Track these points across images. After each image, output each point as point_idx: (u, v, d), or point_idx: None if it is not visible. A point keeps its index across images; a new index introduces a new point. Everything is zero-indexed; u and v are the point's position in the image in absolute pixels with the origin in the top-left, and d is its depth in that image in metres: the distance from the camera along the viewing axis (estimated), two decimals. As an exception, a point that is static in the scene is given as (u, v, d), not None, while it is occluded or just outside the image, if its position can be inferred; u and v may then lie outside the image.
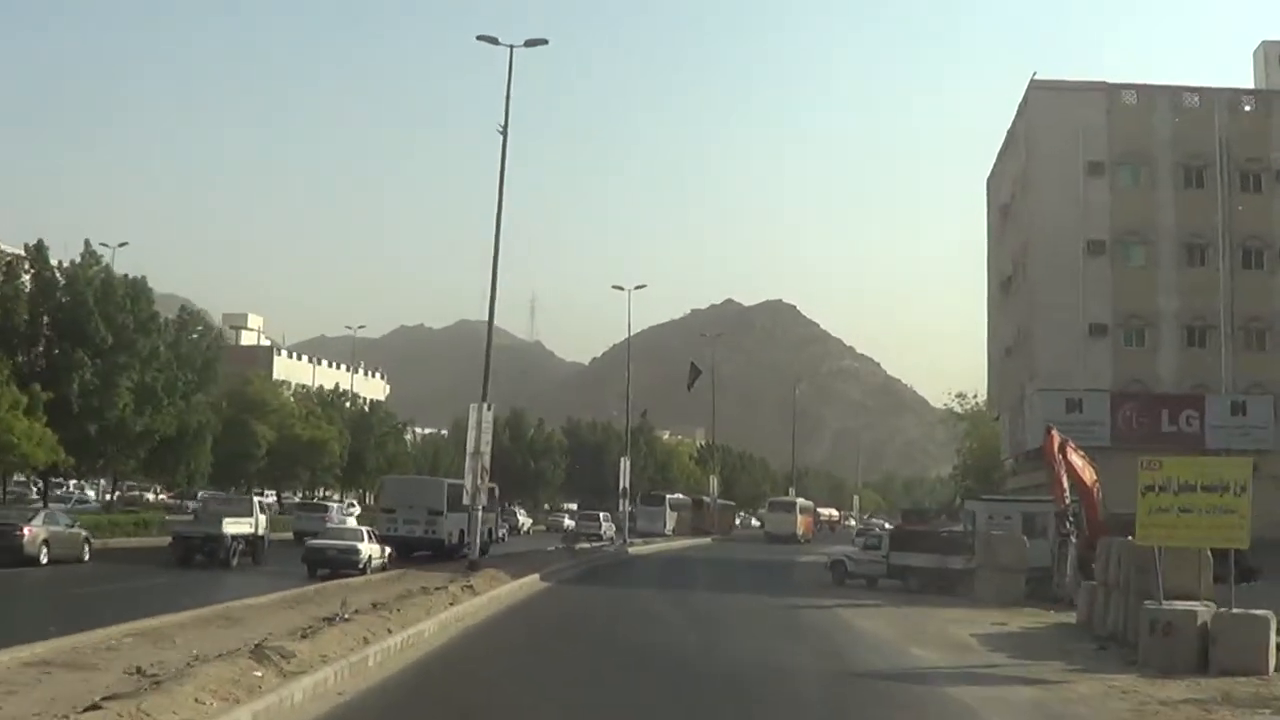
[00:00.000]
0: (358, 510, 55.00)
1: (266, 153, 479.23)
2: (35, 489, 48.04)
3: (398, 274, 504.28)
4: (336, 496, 66.76)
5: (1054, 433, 32.03)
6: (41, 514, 32.14)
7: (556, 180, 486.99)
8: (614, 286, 63.91)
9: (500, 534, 48.84)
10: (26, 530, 29.34)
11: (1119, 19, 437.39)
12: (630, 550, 53.79)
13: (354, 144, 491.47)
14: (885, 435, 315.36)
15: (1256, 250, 48.49)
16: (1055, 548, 32.05)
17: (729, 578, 39.29)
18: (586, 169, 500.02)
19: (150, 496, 61.00)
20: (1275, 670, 17.36)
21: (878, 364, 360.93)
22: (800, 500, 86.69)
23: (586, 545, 50.87)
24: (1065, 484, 31.82)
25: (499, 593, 26.83)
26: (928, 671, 17.65)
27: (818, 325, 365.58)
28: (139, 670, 12.49)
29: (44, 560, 29.48)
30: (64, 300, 40.08)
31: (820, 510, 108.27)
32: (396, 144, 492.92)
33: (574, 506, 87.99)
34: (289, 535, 42.27)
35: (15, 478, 46.08)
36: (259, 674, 12.62)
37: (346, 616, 18.66)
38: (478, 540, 33.83)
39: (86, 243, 41.81)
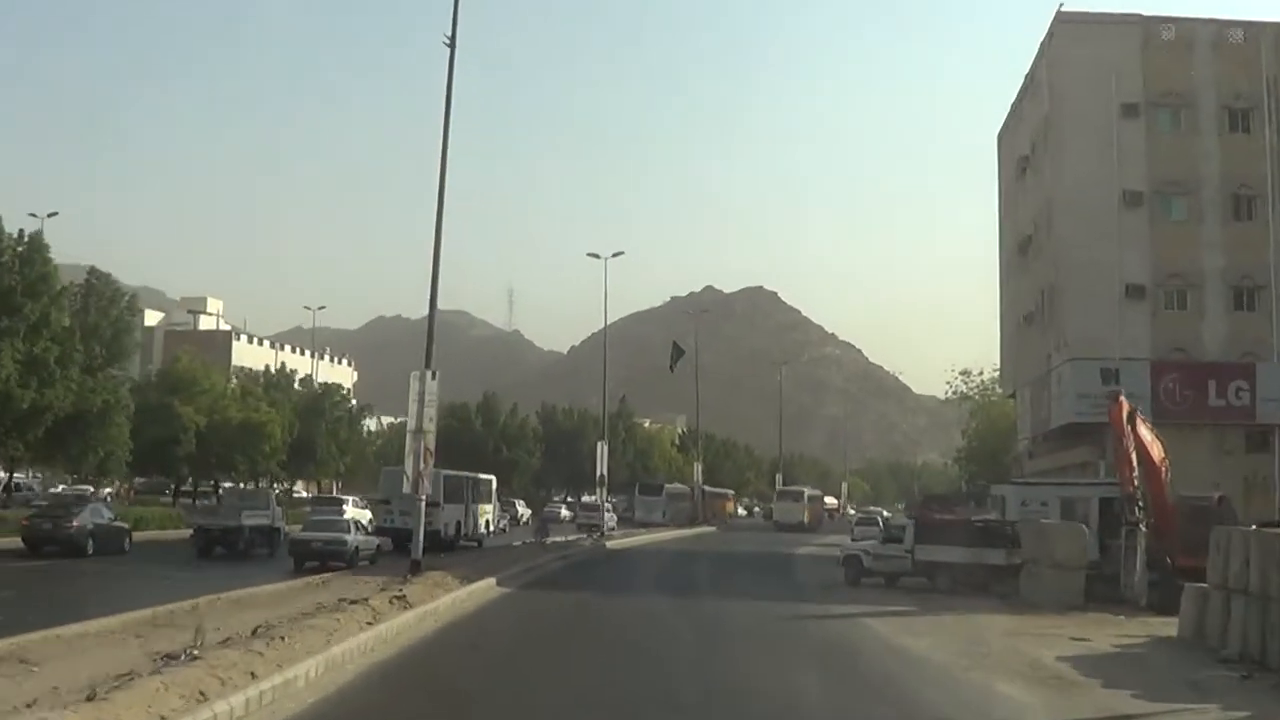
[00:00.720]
0: (357, 503, 48.49)
1: (246, 141, 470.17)
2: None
3: (374, 265, 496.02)
4: (286, 486, 60.70)
5: (1123, 399, 26.46)
6: (88, 508, 33.49)
7: (533, 168, 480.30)
8: (589, 254, 58.64)
9: (502, 525, 48.60)
10: (75, 523, 31.20)
11: None
12: (609, 545, 48.06)
13: (331, 135, 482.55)
14: (868, 422, 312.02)
15: (1311, 202, 42.94)
16: (1123, 539, 26.43)
17: (725, 577, 33.42)
18: (563, 156, 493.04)
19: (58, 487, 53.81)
20: None
21: (859, 350, 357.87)
22: (808, 490, 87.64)
23: (560, 539, 45.59)
24: (1134, 461, 26.30)
25: (437, 605, 21.01)
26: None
27: (799, 312, 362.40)
28: None
29: (90, 551, 31.02)
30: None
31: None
32: (373, 135, 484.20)
33: (570, 498, 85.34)
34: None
35: None
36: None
37: (195, 654, 13.02)
38: (420, 536, 27.91)
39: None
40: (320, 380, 78.26)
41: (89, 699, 10.26)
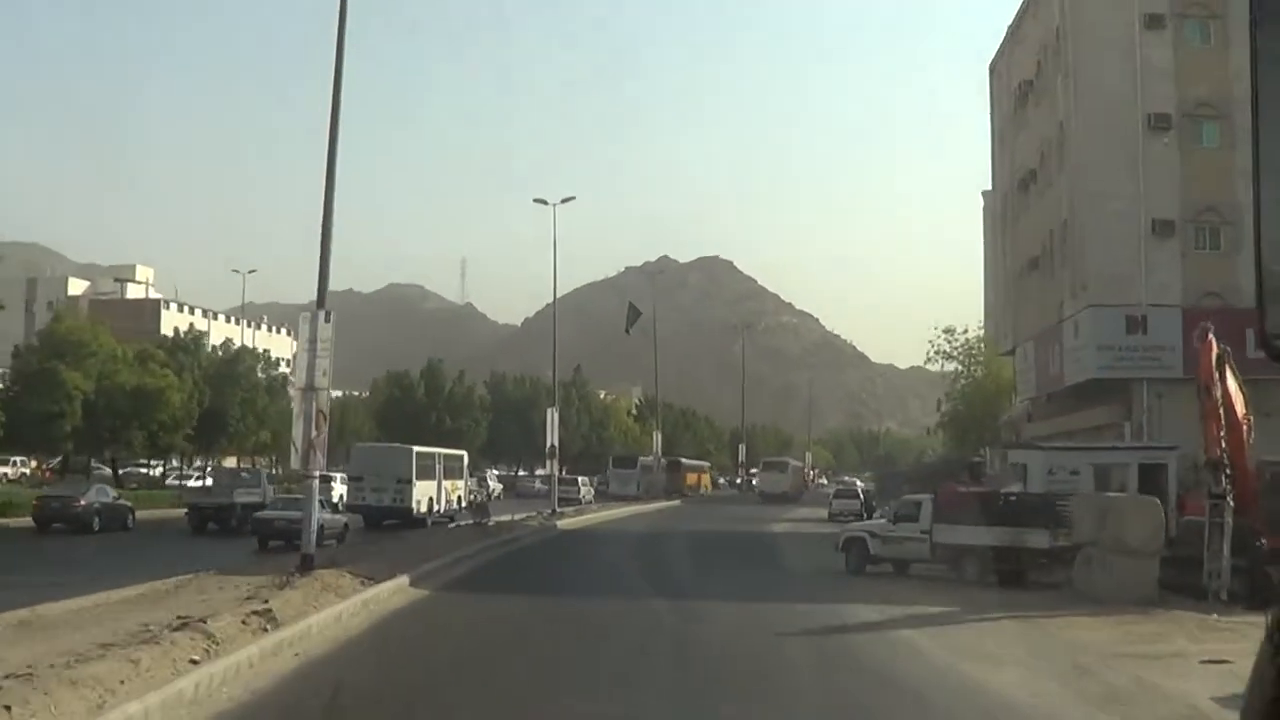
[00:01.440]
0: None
1: (198, 115, 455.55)
2: None
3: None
4: (199, 463, 54.17)
5: (1212, 338, 20.86)
6: (94, 488, 35.58)
7: (486, 135, 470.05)
8: (536, 200, 52.36)
9: (483, 499, 48.61)
10: (82, 501, 32.95)
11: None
12: (560, 524, 42.09)
13: (273, 107, 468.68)
14: (825, 390, 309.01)
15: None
16: (1207, 515, 20.84)
17: (700, 565, 27.27)
18: (515, 125, 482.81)
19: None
20: None
21: (816, 319, 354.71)
22: (791, 462, 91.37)
23: (510, 518, 39.95)
24: (1223, 419, 20.74)
25: (310, 625, 15.01)
26: None
27: (754, 281, 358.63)
28: None
29: (96, 528, 32.46)
30: None
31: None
32: (320, 109, 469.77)
33: (523, 470, 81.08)
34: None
35: None
36: None
37: None
38: (312, 527, 21.70)
39: None
40: (264, 353, 71.43)
41: None
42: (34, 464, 52.11)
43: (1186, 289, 36.69)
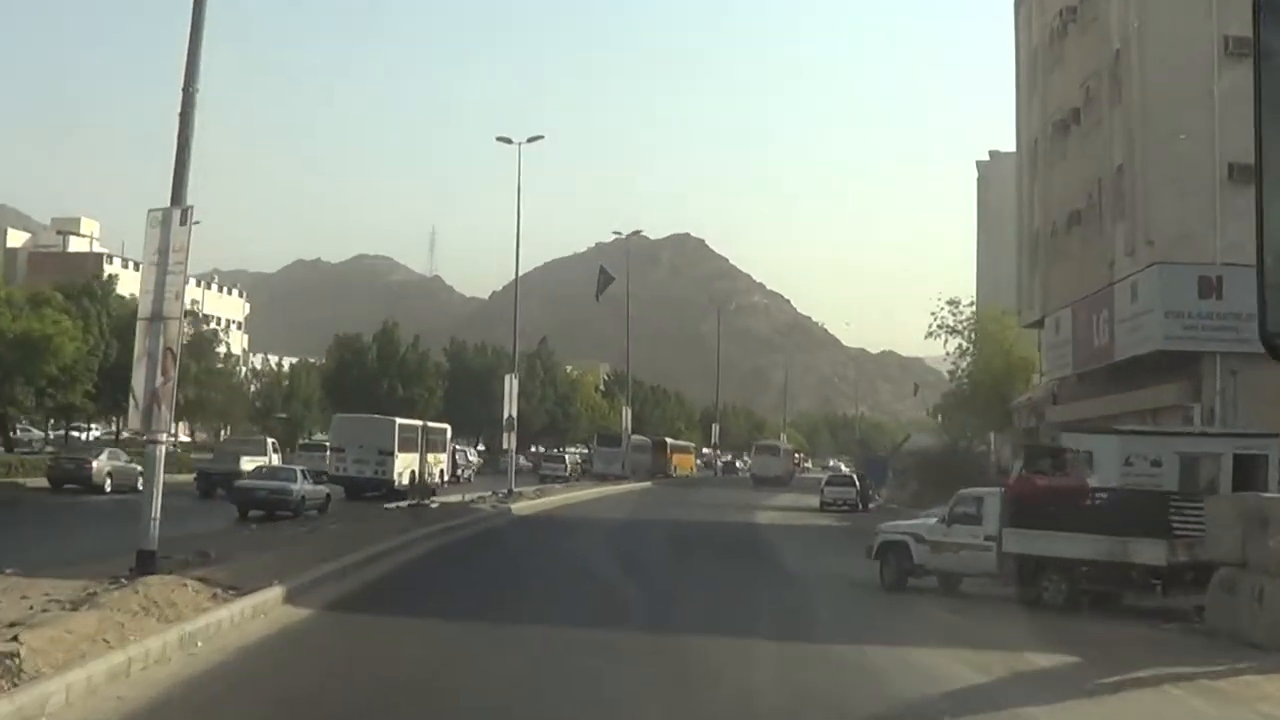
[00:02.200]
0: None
1: (149, 82, 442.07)
2: None
3: (295, 208, 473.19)
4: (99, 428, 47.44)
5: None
6: (106, 451, 37.82)
7: (457, 106, 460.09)
8: (499, 138, 46.15)
9: (468, 474, 49.68)
10: (94, 464, 35.72)
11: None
12: (515, 508, 35.90)
13: (246, 73, 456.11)
14: (796, 373, 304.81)
15: None
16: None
17: (687, 573, 20.98)
18: (487, 96, 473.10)
19: None
20: None
21: (788, 300, 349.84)
22: (783, 445, 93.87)
23: (458, 499, 34.53)
24: None
25: (70, 684, 8.78)
26: None
27: (726, 260, 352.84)
28: None
29: (108, 489, 35.02)
30: None
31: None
32: (289, 77, 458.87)
33: (483, 445, 78.14)
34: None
35: None
36: None
37: None
38: (154, 512, 15.29)
39: None
40: (193, 304, 64.64)
41: None
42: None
43: (1266, 247, 30.85)
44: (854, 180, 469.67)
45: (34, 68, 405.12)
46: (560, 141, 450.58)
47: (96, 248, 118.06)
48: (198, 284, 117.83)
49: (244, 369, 76.66)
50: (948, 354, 55.97)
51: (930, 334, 55.17)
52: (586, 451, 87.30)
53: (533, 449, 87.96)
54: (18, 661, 9.35)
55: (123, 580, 13.94)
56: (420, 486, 34.57)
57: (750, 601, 17.29)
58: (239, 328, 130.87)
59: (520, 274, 48.89)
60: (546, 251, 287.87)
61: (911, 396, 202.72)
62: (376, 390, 65.82)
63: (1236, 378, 29.24)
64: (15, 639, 9.96)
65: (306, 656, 11.77)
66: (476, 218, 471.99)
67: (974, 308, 55.98)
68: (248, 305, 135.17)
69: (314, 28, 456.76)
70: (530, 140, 45.79)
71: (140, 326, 15.87)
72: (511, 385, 42.95)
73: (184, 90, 15.84)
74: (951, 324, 55.90)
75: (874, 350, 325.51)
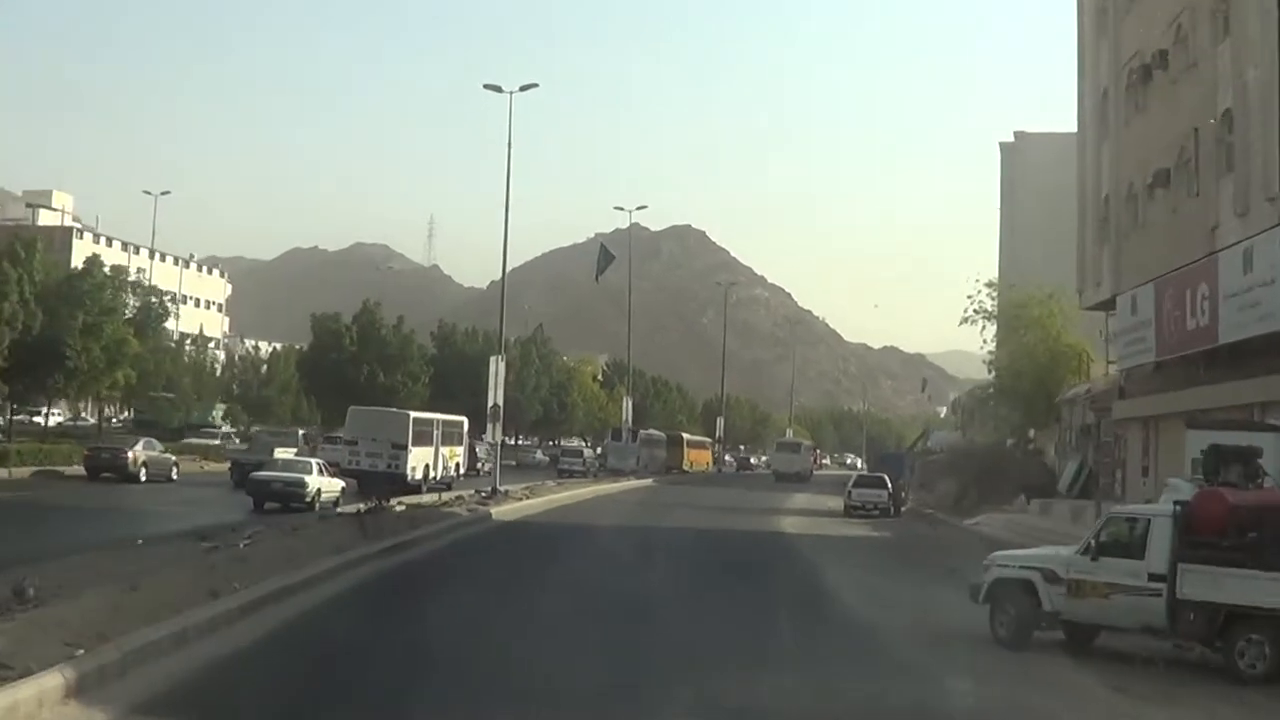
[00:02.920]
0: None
1: (153, 68, 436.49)
2: None
3: (294, 195, 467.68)
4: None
5: None
6: (141, 441, 38.29)
7: (453, 97, 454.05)
8: (486, 86, 40.84)
9: (486, 467, 48.25)
10: (130, 453, 36.28)
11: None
12: (497, 512, 30.40)
13: (246, 62, 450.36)
14: (797, 367, 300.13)
15: None
16: None
17: (713, 622, 14.92)
18: (486, 78, 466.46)
19: None
20: None
21: (789, 294, 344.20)
22: (804, 442, 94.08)
23: (432, 499, 29.64)
24: None
25: None
26: None
27: (727, 252, 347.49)
28: None
29: (143, 478, 35.89)
30: None
31: None
32: (285, 66, 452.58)
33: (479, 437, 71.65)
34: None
35: None
36: None
37: None
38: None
39: None
40: (138, 273, 58.97)
41: None
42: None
43: None
44: (860, 174, 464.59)
45: (19, 44, 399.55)
46: (560, 130, 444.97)
47: (68, 221, 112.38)
48: (175, 263, 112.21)
49: (214, 348, 70.99)
50: (984, 341, 50.49)
51: (966, 319, 49.75)
52: (586, 444, 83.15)
53: (520, 439, 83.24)
54: None
55: None
56: (378, 480, 29.89)
57: (815, 680, 11.43)
58: (219, 309, 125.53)
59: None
60: (546, 242, 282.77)
61: (919, 393, 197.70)
62: (355, 376, 60.30)
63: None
64: None
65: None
66: (475, 207, 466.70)
67: (1012, 290, 50.43)
68: (229, 287, 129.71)
69: (316, 18, 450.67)
70: (523, 89, 40.46)
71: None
72: (498, 368, 37.53)
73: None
74: (989, 309, 50.53)
75: (875, 346, 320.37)
